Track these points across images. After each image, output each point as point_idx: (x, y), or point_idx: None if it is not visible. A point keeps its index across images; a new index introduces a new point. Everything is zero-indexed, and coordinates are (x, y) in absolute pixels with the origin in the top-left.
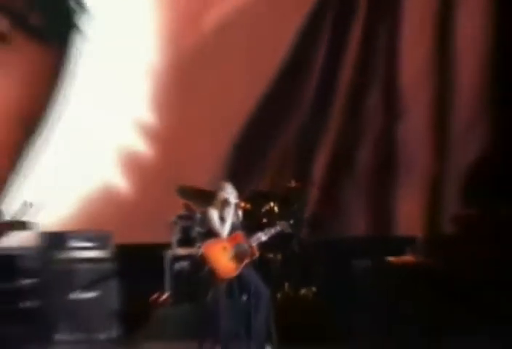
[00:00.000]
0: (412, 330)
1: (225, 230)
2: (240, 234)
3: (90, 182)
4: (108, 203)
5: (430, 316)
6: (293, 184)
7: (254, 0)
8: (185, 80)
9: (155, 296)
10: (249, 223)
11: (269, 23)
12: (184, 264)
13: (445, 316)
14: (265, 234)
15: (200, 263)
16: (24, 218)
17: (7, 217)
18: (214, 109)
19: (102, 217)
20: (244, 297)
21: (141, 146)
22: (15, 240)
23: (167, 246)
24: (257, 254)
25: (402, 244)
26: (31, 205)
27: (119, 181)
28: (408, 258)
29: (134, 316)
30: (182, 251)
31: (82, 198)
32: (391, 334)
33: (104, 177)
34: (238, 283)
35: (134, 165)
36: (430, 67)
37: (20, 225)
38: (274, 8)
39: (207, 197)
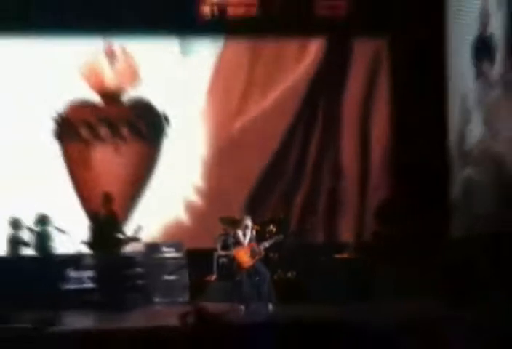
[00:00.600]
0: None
1: (245, 241)
2: (253, 243)
3: (166, 216)
4: (180, 225)
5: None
6: (282, 215)
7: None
8: (223, 156)
9: (208, 277)
10: (259, 237)
11: (275, 127)
12: (224, 259)
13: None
14: (268, 243)
15: (232, 259)
16: (137, 235)
17: (128, 235)
18: (238, 175)
19: (178, 233)
20: (256, 277)
21: (196, 198)
22: (132, 247)
23: (215, 250)
24: (263, 254)
25: (344, 247)
26: (141, 227)
27: (184, 216)
28: (345, 255)
29: (198, 288)
30: (222, 252)
31: (165, 223)
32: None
33: (175, 212)
34: (253, 270)
35: (193, 204)
36: (357, 153)
37: (135, 239)
38: (274, 120)
39: (236, 223)
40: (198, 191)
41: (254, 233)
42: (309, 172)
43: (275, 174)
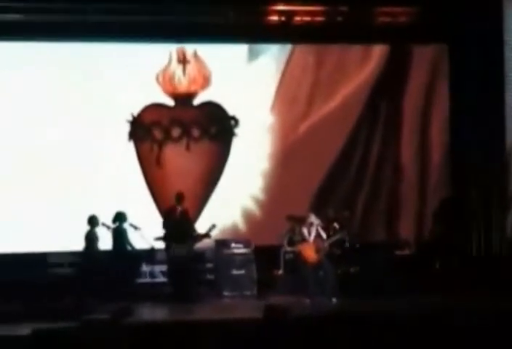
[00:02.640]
0: None
1: (311, 238)
2: (319, 240)
3: (234, 213)
4: (248, 222)
5: None
6: (346, 214)
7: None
8: (289, 156)
9: (275, 272)
10: (324, 234)
11: (339, 130)
12: (290, 255)
13: None
14: (332, 240)
15: (298, 254)
16: (210, 232)
17: (200, 232)
18: (303, 175)
19: (246, 229)
20: (321, 272)
21: (263, 196)
22: (203, 242)
23: (281, 246)
24: (327, 250)
25: (403, 245)
26: (215, 226)
27: (251, 213)
28: (405, 252)
29: (266, 282)
30: (289, 248)
31: (233, 220)
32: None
33: (243, 210)
34: (318, 265)
35: (261, 202)
36: (416, 154)
37: (207, 236)
38: (337, 123)
39: (302, 221)
40: (265, 190)
41: (319, 230)
42: (371, 173)
43: (339, 174)
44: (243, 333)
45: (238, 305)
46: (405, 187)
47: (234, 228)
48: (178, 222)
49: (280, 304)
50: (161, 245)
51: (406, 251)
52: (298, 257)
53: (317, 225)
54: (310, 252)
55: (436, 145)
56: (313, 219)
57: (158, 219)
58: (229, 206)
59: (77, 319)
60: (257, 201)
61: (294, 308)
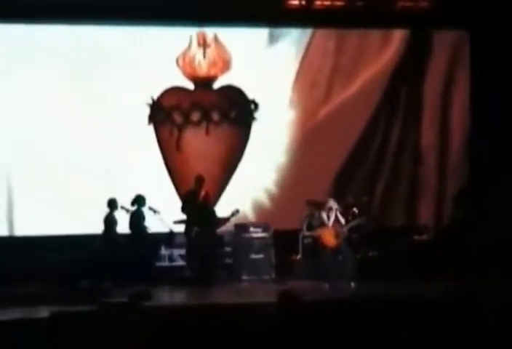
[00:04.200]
0: None
1: (330, 222)
2: (338, 224)
3: (254, 197)
4: (267, 207)
5: None
6: (365, 199)
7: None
8: (309, 141)
9: (294, 256)
10: (343, 219)
11: (359, 115)
12: (309, 239)
13: None
14: (351, 224)
15: (317, 239)
16: (233, 217)
17: (221, 215)
18: (323, 160)
19: (265, 214)
20: (340, 257)
21: (283, 181)
22: (223, 227)
23: (300, 230)
24: (346, 234)
25: (422, 230)
26: (238, 211)
27: (271, 198)
28: (424, 237)
29: (284, 267)
30: (307, 233)
31: (253, 204)
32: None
33: (263, 194)
34: (337, 249)
35: (280, 187)
36: (437, 135)
37: (227, 220)
38: (357, 108)
39: (321, 205)
40: (285, 174)
41: (338, 214)
42: (390, 158)
43: (358, 159)
44: (260, 317)
45: (256, 289)
46: (425, 173)
47: (254, 212)
48: (198, 206)
49: (294, 288)
50: (180, 229)
51: (425, 237)
52: (317, 241)
53: (336, 210)
54: (329, 237)
55: (456, 131)
56: (332, 204)
57: (177, 203)
58: (249, 190)
59: (95, 302)
60: (276, 186)
61: (313, 293)
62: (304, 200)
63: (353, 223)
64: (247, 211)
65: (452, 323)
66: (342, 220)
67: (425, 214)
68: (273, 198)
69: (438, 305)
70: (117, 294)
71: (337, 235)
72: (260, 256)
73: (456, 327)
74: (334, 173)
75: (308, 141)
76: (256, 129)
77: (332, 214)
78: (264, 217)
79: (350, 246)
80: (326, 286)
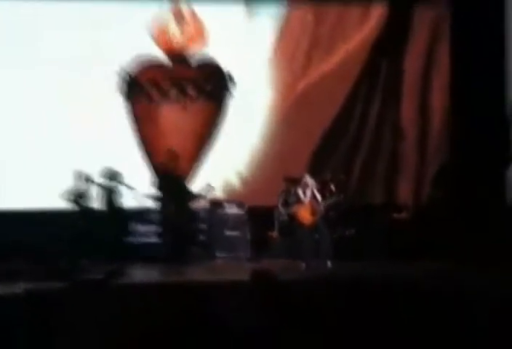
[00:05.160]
0: None
1: (306, 199)
2: (314, 201)
3: (228, 174)
4: (242, 183)
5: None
6: (343, 176)
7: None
8: (286, 116)
9: (269, 234)
10: (319, 196)
11: (337, 90)
12: (285, 217)
13: None
14: (328, 201)
15: (293, 216)
16: (207, 194)
17: (195, 192)
18: (300, 135)
19: (242, 192)
20: (316, 235)
21: (259, 157)
22: (197, 203)
23: (276, 207)
24: (323, 212)
25: (400, 208)
26: (212, 187)
27: (251, 170)
28: (403, 216)
29: (260, 244)
30: (283, 210)
31: (227, 180)
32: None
33: (241, 168)
34: (314, 227)
35: (260, 163)
36: (417, 111)
37: (201, 196)
38: (336, 83)
39: (298, 182)
40: (262, 149)
41: (314, 191)
42: (369, 134)
43: (336, 135)
44: (234, 295)
45: (231, 267)
46: (405, 150)
47: (229, 189)
48: (172, 182)
49: (269, 267)
50: (153, 205)
51: (404, 215)
52: (293, 219)
53: (313, 187)
54: (305, 214)
55: (437, 108)
56: (308, 180)
57: (148, 179)
58: (225, 167)
59: (68, 279)
60: (253, 162)
61: (289, 271)
62: (281, 176)
63: (330, 200)
64: (223, 188)
65: (428, 305)
66: (319, 197)
67: (405, 192)
68: (250, 174)
69: (414, 287)
70: (90, 271)
71: (313, 213)
72: (235, 233)
73: (431, 310)
74: (312, 149)
75: (286, 116)
76: (234, 104)
77: (309, 191)
78: (240, 193)
79: (327, 223)
80: (303, 264)
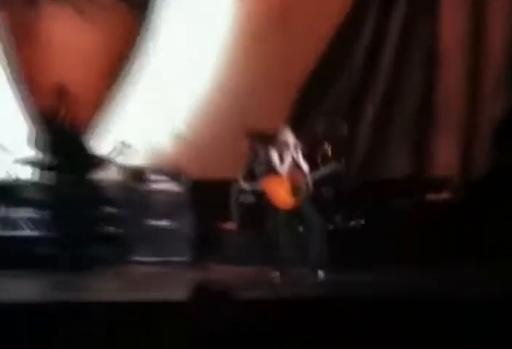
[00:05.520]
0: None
1: (284, 168)
2: (298, 172)
3: (168, 126)
4: (184, 143)
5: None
6: (342, 131)
7: None
8: (253, 38)
9: (223, 225)
10: (307, 164)
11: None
12: (249, 196)
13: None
14: (320, 173)
15: (262, 196)
16: (116, 156)
17: (102, 155)
18: (277, 70)
19: (178, 156)
20: (300, 227)
21: (211, 104)
22: (104, 173)
23: (235, 181)
24: (311, 190)
25: (440, 184)
26: (125, 145)
27: (196, 125)
28: (445, 196)
29: (205, 242)
30: (247, 185)
31: (162, 139)
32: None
33: (181, 121)
34: (296, 215)
35: (208, 112)
36: (467, 28)
37: (110, 162)
38: None
39: (270, 140)
40: (215, 90)
41: (298, 156)
42: (387, 65)
43: (333, 67)
44: (156, 326)
45: (157, 278)
46: (444, 91)
47: (159, 152)
48: (64, 138)
49: (221, 279)
50: (31, 175)
51: (445, 195)
52: (262, 200)
53: (295, 149)
54: (282, 192)
55: (497, 21)
56: (288, 138)
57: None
58: (153, 117)
59: None
60: (201, 111)
61: (253, 287)
62: (242, 132)
63: (322, 171)
64: (150, 150)
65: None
66: (305, 166)
67: (445, 158)
68: (194, 130)
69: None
70: None
71: (295, 191)
72: (168, 223)
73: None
74: (295, 89)
75: (258, 39)
76: (171, 17)
77: (288, 156)
78: (177, 159)
79: (319, 208)
80: (277, 275)
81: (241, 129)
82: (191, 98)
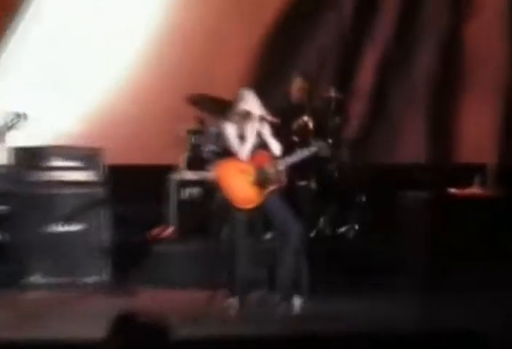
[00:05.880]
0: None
1: (245, 149)
2: (264, 155)
3: (86, 90)
4: (102, 115)
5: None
6: (332, 93)
7: None
8: None
9: (156, 230)
10: (278, 142)
11: None
12: (193, 190)
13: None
14: (297, 156)
15: (213, 190)
16: (5, 131)
17: None
18: (233, 21)
19: (96, 132)
20: (268, 235)
21: (148, 48)
22: None
23: (173, 168)
24: (284, 180)
25: (467, 174)
26: (20, 115)
27: (118, 98)
28: (474, 190)
29: (130, 255)
30: (191, 174)
31: (74, 109)
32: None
33: (101, 84)
34: (261, 217)
35: (137, 69)
36: None
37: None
38: None
39: (225, 108)
40: (151, 55)
41: (266, 132)
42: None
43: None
44: None
45: (62, 307)
46: (477, 42)
47: (71, 131)
48: None
49: (154, 309)
50: None
51: (475, 189)
52: (212, 195)
53: (261, 121)
54: (241, 184)
55: None
56: (251, 105)
57: None
58: (59, 90)
59: None
60: (130, 77)
61: (197, 320)
62: (183, 97)
63: (301, 154)
64: (54, 127)
65: None
66: (276, 146)
67: (475, 140)
68: (116, 100)
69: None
70: None
71: (260, 182)
72: (76, 229)
73: None
74: (257, 40)
75: None
76: None
77: (252, 131)
78: (93, 140)
79: (295, 208)
80: (232, 303)
81: (184, 93)
82: (111, 68)
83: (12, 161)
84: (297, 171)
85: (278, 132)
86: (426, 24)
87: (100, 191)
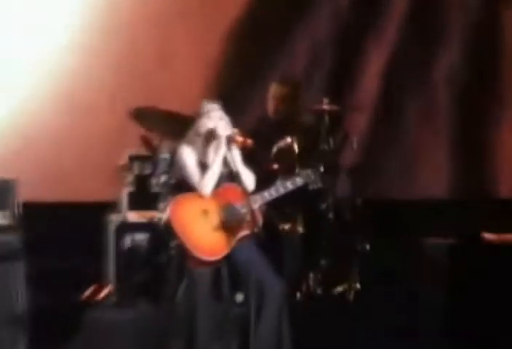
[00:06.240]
0: None
1: (208, 181)
2: (234, 189)
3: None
4: (16, 136)
5: None
6: (326, 105)
7: None
8: None
9: (89, 290)
10: (251, 170)
11: None
12: (138, 237)
13: None
14: (277, 190)
15: (164, 236)
16: None
17: None
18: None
19: (7, 159)
20: (239, 297)
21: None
22: None
23: (111, 206)
24: (261, 223)
25: (507, 213)
26: None
27: (36, 98)
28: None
29: (53, 325)
30: (135, 216)
31: None
32: None
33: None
34: (230, 271)
35: (64, 74)
36: None
37: None
38: None
39: (181, 126)
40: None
41: (236, 157)
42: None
43: None
44: None
45: None
46: None
47: None
48: None
49: None
50: None
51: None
52: (163, 243)
53: (230, 143)
54: (203, 228)
55: None
56: (215, 122)
57: None
58: None
59: None
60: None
61: None
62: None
63: (283, 186)
64: None
65: None
66: (250, 177)
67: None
68: (38, 113)
69: None
70: None
71: (228, 223)
72: None
73: None
74: (226, 28)
75: None
76: None
77: (217, 157)
78: (6, 166)
79: (275, 261)
80: None
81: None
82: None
83: None
84: (278, 210)
85: (252, 158)
86: (449, 17)
87: (12, 239)
